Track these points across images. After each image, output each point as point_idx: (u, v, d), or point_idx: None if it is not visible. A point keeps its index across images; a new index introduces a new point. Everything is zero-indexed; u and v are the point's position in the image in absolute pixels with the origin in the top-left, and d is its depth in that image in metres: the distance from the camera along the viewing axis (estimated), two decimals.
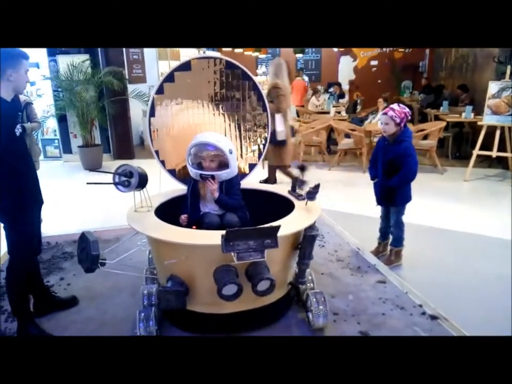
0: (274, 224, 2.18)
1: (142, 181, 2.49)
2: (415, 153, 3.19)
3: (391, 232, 3.44)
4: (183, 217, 2.68)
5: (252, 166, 3.21)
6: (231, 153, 2.61)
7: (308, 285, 2.64)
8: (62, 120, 7.69)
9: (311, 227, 2.36)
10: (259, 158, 3.23)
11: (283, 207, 2.66)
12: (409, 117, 3.17)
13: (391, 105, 3.20)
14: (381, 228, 3.54)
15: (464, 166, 6.35)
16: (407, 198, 3.27)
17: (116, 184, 2.50)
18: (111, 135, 7.93)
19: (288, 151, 5.06)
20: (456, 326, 2.38)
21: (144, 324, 2.24)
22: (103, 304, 2.73)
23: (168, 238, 2.21)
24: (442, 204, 5.00)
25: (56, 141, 8.05)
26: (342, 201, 5.17)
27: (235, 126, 3.12)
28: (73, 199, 5.53)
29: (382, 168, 3.27)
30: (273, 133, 4.57)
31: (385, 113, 3.14)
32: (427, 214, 4.54)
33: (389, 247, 3.48)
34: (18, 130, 2.23)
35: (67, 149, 7.90)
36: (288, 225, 2.28)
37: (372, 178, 3.40)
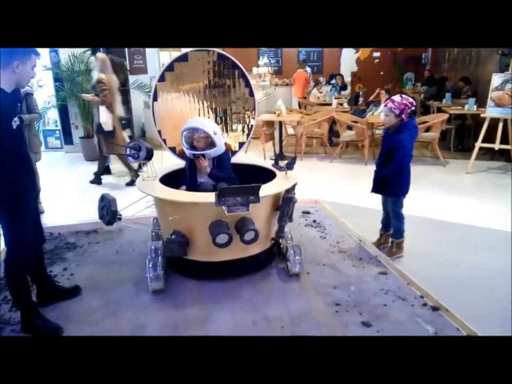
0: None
1: (149, 154, 2.97)
2: (410, 145, 3.16)
3: (391, 224, 3.45)
4: (182, 187, 3.09)
5: (241, 144, 3.63)
6: (215, 134, 3.03)
7: (288, 241, 3.10)
8: (63, 111, 7.66)
9: (289, 191, 2.86)
10: (247, 137, 3.63)
11: (268, 177, 3.05)
12: (412, 108, 3.14)
13: (393, 97, 3.20)
14: (382, 219, 3.56)
15: (467, 159, 6.34)
16: (401, 190, 3.26)
17: (127, 155, 3.00)
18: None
19: (119, 141, 5.30)
20: (457, 317, 2.38)
21: (153, 269, 2.68)
22: (106, 295, 2.74)
23: (172, 197, 2.71)
24: (444, 196, 5.00)
25: (57, 132, 8.04)
26: (343, 193, 5.18)
27: (226, 109, 3.54)
28: (75, 190, 5.54)
29: (380, 158, 3.32)
30: (100, 125, 5.17)
31: (385, 105, 3.16)
32: (429, 206, 4.54)
33: (390, 239, 3.49)
34: (15, 123, 2.19)
35: (68, 140, 7.88)
36: (270, 188, 2.81)
37: (376, 166, 3.43)
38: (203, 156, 3.03)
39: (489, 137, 6.03)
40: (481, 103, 6.91)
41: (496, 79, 5.84)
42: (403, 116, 3.11)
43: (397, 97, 3.15)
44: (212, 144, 3.05)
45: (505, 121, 5.89)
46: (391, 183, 3.24)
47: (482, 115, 6.13)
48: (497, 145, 5.97)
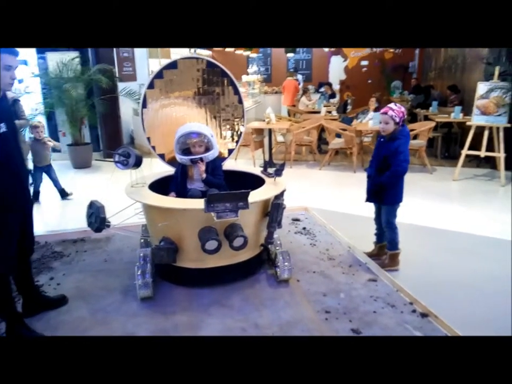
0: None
1: (138, 161, 2.96)
2: (407, 151, 3.19)
3: (385, 236, 3.42)
4: (172, 194, 3.10)
5: (230, 151, 3.65)
6: (212, 136, 3.11)
7: (277, 248, 3.11)
8: (50, 118, 7.59)
9: (277, 197, 2.89)
10: (236, 143, 3.65)
11: (257, 184, 3.07)
12: (405, 116, 3.18)
13: (389, 105, 3.20)
14: (376, 231, 3.53)
15: (453, 166, 6.42)
16: (396, 198, 3.25)
17: (116, 162, 2.94)
18: (101, 133, 7.86)
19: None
20: (446, 323, 2.40)
21: (142, 276, 2.68)
22: (94, 304, 2.70)
23: (161, 204, 2.71)
24: (432, 203, 5.05)
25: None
26: (332, 201, 5.20)
27: (215, 117, 3.56)
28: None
29: (376, 165, 3.28)
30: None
31: (385, 113, 3.13)
32: (417, 212, 4.57)
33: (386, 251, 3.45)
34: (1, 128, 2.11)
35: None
36: (259, 195, 2.83)
37: (368, 176, 3.39)
38: (201, 159, 3.07)
39: (475, 145, 6.12)
40: (467, 111, 7.02)
41: (482, 88, 5.95)
42: (400, 123, 3.15)
43: (393, 106, 3.17)
44: (207, 149, 3.11)
45: (490, 129, 5.99)
46: (387, 191, 3.22)
47: (468, 123, 6.23)
48: (483, 153, 6.06)
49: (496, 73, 5.89)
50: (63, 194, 5.31)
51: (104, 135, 7.84)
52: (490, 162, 6.69)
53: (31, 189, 5.16)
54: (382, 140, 3.27)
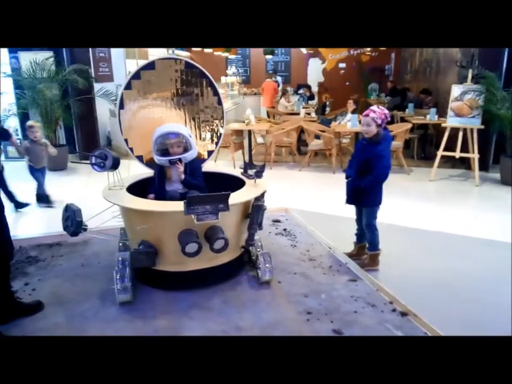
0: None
1: (115, 163, 2.91)
2: (389, 156, 3.21)
3: (366, 237, 3.44)
4: (150, 196, 3.07)
5: (210, 153, 3.62)
6: (190, 136, 3.10)
7: (258, 249, 3.09)
8: (24, 119, 7.39)
9: (258, 199, 2.88)
10: (216, 145, 3.63)
11: (238, 186, 3.05)
12: (388, 118, 3.18)
13: (371, 108, 3.19)
14: (356, 231, 3.56)
15: (429, 167, 6.56)
16: (376, 200, 3.28)
17: (92, 164, 2.89)
18: (76, 135, 7.70)
19: None
20: (425, 322, 2.43)
21: (121, 280, 2.62)
22: (71, 310, 2.63)
23: (140, 207, 2.67)
24: (410, 203, 5.13)
25: (18, 141, 7.72)
26: (313, 201, 5.23)
27: (194, 118, 3.52)
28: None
29: (357, 168, 3.28)
30: None
31: (366, 115, 3.12)
32: (396, 213, 4.64)
33: (366, 251, 3.48)
34: None
35: None
36: (240, 196, 2.80)
37: (346, 177, 3.40)
38: (179, 160, 3.03)
39: (450, 146, 6.26)
40: (442, 113, 7.18)
41: (456, 90, 6.10)
42: (382, 126, 3.15)
43: (375, 108, 3.17)
44: (186, 149, 3.08)
45: (464, 130, 6.15)
46: (367, 194, 3.24)
47: (443, 125, 6.38)
48: (457, 154, 6.22)
49: (469, 76, 6.05)
50: (43, 200, 5.10)
51: (80, 136, 7.68)
52: (464, 163, 6.86)
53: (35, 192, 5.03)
54: (364, 142, 3.27)
